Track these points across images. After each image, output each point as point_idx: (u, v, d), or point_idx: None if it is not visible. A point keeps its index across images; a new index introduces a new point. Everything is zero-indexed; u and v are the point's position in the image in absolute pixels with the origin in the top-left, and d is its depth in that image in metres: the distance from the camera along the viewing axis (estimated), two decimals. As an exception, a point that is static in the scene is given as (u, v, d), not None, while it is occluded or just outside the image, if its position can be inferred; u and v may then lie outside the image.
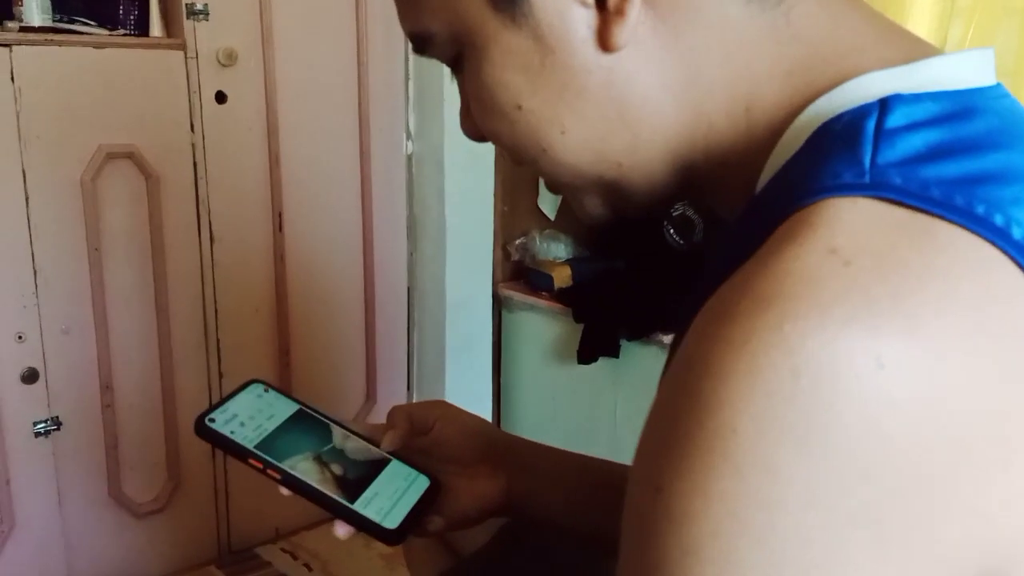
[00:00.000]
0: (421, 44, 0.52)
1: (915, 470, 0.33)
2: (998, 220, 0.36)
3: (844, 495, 0.33)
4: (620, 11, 0.45)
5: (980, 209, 0.36)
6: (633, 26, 0.45)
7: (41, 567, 1.76)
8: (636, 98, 0.48)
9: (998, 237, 0.35)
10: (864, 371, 0.33)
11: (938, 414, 0.33)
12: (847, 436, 0.33)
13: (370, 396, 2.21)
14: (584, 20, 0.46)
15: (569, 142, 0.50)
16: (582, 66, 0.47)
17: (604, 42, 0.46)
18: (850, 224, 0.36)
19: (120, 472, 1.82)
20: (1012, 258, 0.35)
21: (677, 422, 0.36)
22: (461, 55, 0.51)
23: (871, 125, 0.39)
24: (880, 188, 0.37)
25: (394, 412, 0.77)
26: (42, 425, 1.70)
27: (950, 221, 0.36)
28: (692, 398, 0.35)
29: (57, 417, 1.71)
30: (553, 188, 0.55)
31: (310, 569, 1.98)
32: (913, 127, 0.39)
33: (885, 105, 0.40)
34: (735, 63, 0.46)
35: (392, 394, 2.26)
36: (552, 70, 0.48)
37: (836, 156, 0.39)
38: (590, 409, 2.12)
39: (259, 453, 0.68)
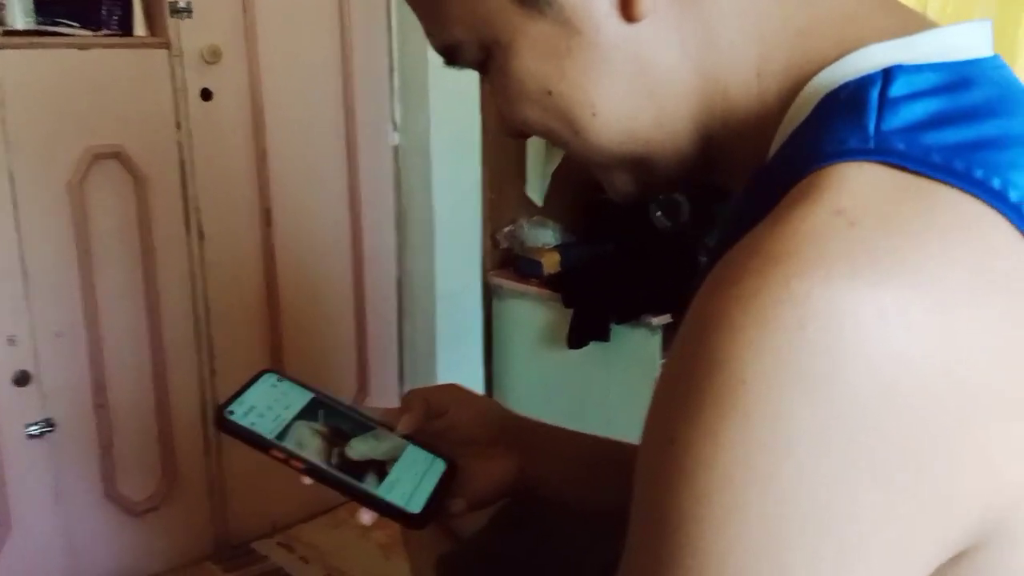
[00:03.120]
0: (451, 54, 0.54)
1: (919, 418, 0.35)
2: (995, 183, 0.38)
3: (850, 442, 0.34)
4: None
5: (978, 173, 0.38)
6: None
7: (39, 569, 1.76)
8: (661, 69, 0.49)
9: (995, 199, 0.37)
10: (867, 322, 0.34)
11: (941, 364, 0.35)
12: (852, 385, 0.34)
13: (362, 388, 2.22)
14: None
15: (600, 123, 0.51)
16: (608, 41, 0.48)
17: (627, 13, 0.47)
18: (856, 187, 0.38)
19: (115, 471, 1.82)
20: (1008, 219, 0.37)
21: (689, 375, 0.37)
22: (489, 57, 0.52)
23: (875, 94, 0.41)
24: (884, 154, 0.39)
25: (410, 396, 0.78)
26: (35, 427, 1.69)
27: (950, 185, 0.37)
28: (703, 351, 0.37)
29: (50, 419, 1.71)
30: (584, 168, 0.56)
31: (307, 562, 1.98)
32: (915, 96, 0.41)
33: (888, 75, 0.42)
34: (747, 27, 0.48)
35: (384, 385, 2.27)
36: (579, 51, 0.49)
37: (842, 123, 0.41)
38: (582, 393, 2.14)
39: (281, 444, 0.68)
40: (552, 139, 0.54)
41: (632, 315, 1.97)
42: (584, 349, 2.05)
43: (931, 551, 0.37)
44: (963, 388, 0.35)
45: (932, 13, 1.85)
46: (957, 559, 0.38)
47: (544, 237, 2.26)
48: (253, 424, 0.69)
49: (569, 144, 0.53)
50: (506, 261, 2.31)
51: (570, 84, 0.50)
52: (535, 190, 2.30)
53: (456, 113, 2.08)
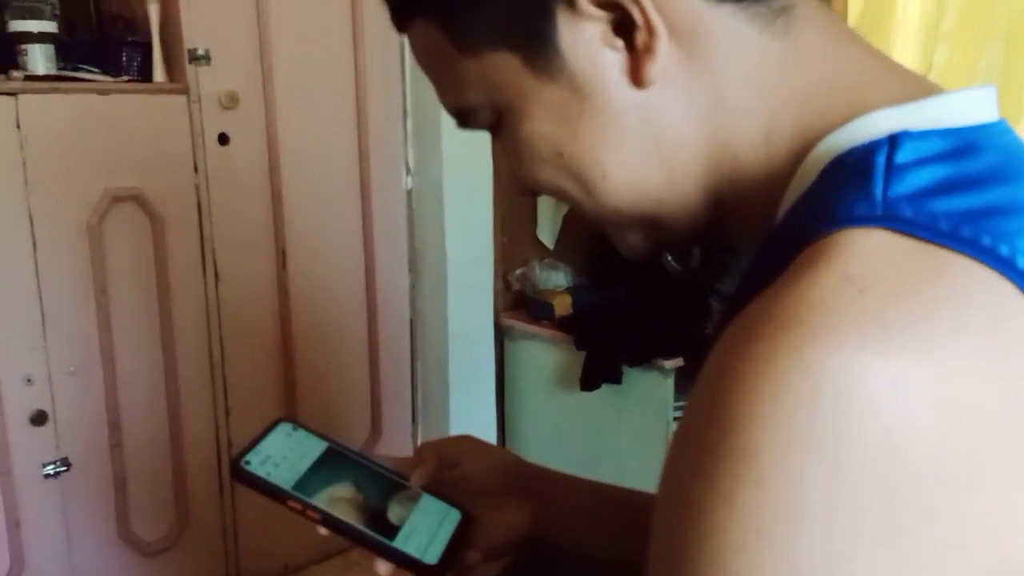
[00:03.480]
0: (464, 117, 0.55)
1: (928, 484, 0.35)
2: (1003, 251, 0.38)
3: (862, 508, 0.35)
4: (649, 48, 0.47)
5: (986, 240, 0.38)
6: (663, 61, 0.47)
7: (52, 609, 1.76)
8: (670, 132, 0.50)
9: (1004, 267, 0.38)
10: (878, 390, 0.34)
11: (950, 431, 0.35)
12: (863, 451, 0.34)
13: (375, 428, 2.22)
14: (615, 63, 0.48)
15: (611, 184, 0.52)
16: (618, 107, 0.49)
17: (637, 79, 0.48)
18: (864, 253, 0.38)
19: (129, 511, 1.82)
20: (1017, 285, 0.38)
21: (703, 439, 0.38)
22: (501, 119, 0.53)
23: (882, 160, 0.42)
24: (892, 220, 0.39)
25: (423, 448, 0.78)
26: (51, 466, 1.70)
27: (958, 252, 0.38)
28: (718, 416, 0.37)
29: (66, 458, 1.72)
30: (597, 227, 0.57)
31: (320, 604, 1.97)
32: (921, 162, 0.42)
33: (895, 141, 0.42)
34: (754, 92, 0.49)
35: (397, 426, 2.27)
36: (590, 115, 0.50)
37: (850, 189, 0.42)
38: (594, 435, 2.13)
39: (298, 495, 0.68)
40: (564, 199, 0.55)
41: (644, 358, 1.96)
42: (596, 391, 2.04)
43: None
44: (969, 456, 0.35)
45: (939, 63, 1.86)
46: None
47: (556, 279, 2.27)
48: (269, 474, 0.69)
49: (581, 204, 0.54)
50: (518, 303, 2.32)
51: (581, 147, 0.51)
52: (547, 233, 2.32)
53: (469, 157, 2.10)
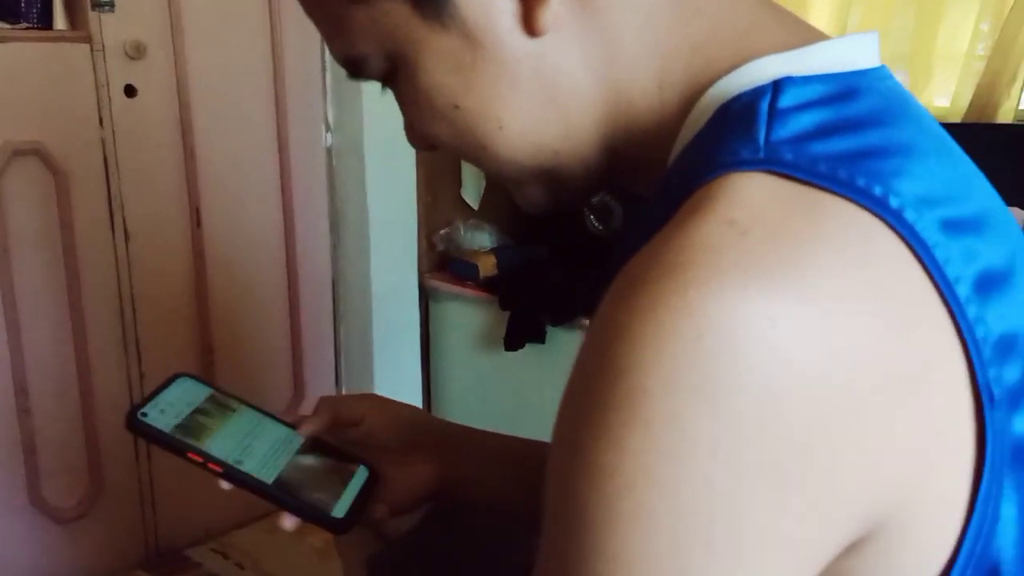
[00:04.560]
0: (355, 67, 0.54)
1: (808, 422, 0.36)
2: (877, 191, 0.39)
3: (745, 447, 0.36)
4: None
5: (861, 182, 0.39)
6: (555, 9, 0.47)
7: (-41, 579, 1.70)
8: (565, 81, 0.50)
9: (878, 206, 0.39)
10: (759, 331, 0.35)
11: (825, 369, 0.36)
12: (746, 392, 0.35)
13: (298, 391, 2.19)
14: (508, 10, 0.48)
15: (507, 136, 0.52)
16: (511, 56, 0.49)
17: (529, 27, 0.48)
18: (746, 197, 0.39)
19: (39, 478, 1.77)
20: (890, 225, 0.39)
21: (593, 385, 0.38)
22: (394, 69, 0.52)
23: (764, 105, 0.43)
24: (773, 163, 0.40)
25: (320, 402, 0.79)
26: (-47, 433, 1.64)
27: (835, 193, 0.39)
28: (606, 362, 0.38)
29: (-30, 424, 1.66)
30: (496, 181, 0.57)
31: (242, 568, 1.96)
32: (803, 107, 0.42)
33: (777, 87, 0.43)
34: (648, 38, 0.49)
35: (320, 388, 2.24)
36: (484, 65, 0.49)
37: (734, 134, 0.42)
38: (519, 394, 2.15)
39: (197, 446, 0.67)
40: (461, 153, 0.55)
41: (567, 317, 1.98)
42: (520, 351, 2.05)
43: (820, 545, 0.39)
44: (843, 388, 0.36)
45: (852, 27, 1.89)
46: (848, 553, 0.40)
47: (480, 240, 2.26)
48: (167, 426, 0.67)
49: (478, 158, 0.54)
50: (442, 263, 2.31)
51: (476, 98, 0.50)
52: (471, 193, 2.30)
53: (390, 114, 2.03)
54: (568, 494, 0.39)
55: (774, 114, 0.42)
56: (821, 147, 0.40)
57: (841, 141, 0.41)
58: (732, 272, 0.36)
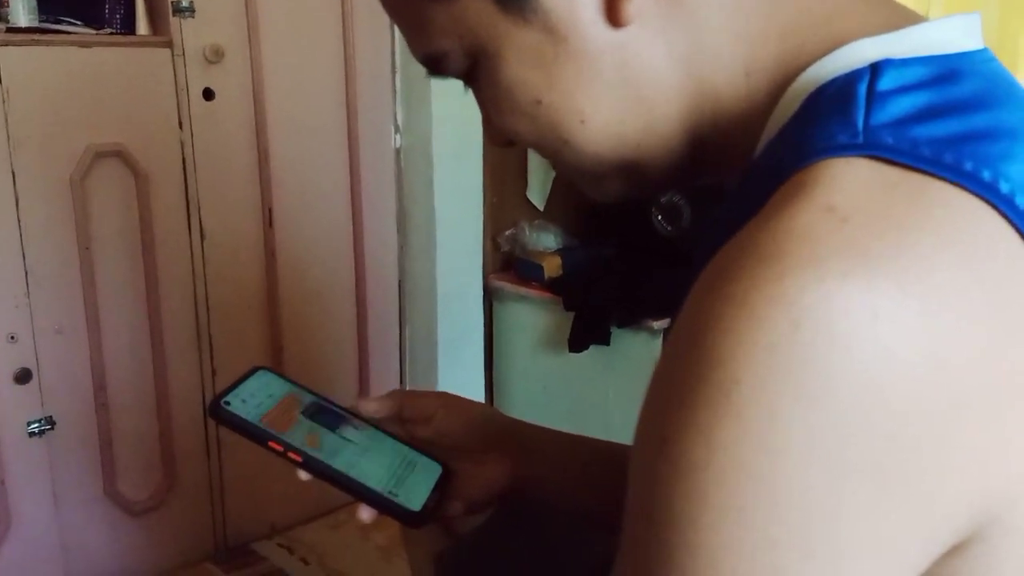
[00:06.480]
0: (436, 64, 0.53)
1: (910, 419, 0.34)
2: (986, 175, 0.37)
3: (843, 442, 0.34)
4: None
5: (968, 166, 0.37)
6: None
7: (37, 567, 1.75)
8: (648, 73, 0.49)
9: (986, 191, 0.37)
10: (860, 323, 0.34)
11: (932, 364, 0.34)
12: (845, 385, 0.34)
13: (363, 389, 2.21)
14: (590, 2, 0.47)
15: (590, 130, 0.51)
16: (595, 48, 0.48)
17: (613, 19, 0.47)
18: (846, 183, 0.38)
19: (115, 470, 1.82)
20: (1000, 211, 0.37)
21: (682, 376, 0.37)
22: (475, 66, 0.52)
23: (863, 88, 0.41)
24: (873, 148, 0.39)
25: (391, 391, 0.79)
26: (36, 425, 1.69)
27: (940, 178, 0.37)
28: (697, 352, 0.36)
29: (51, 417, 1.71)
30: (574, 176, 0.56)
31: (307, 563, 1.98)
32: (903, 90, 0.41)
33: (876, 69, 0.42)
34: (733, 26, 0.48)
35: (385, 387, 2.26)
36: (566, 59, 0.49)
37: (831, 119, 0.41)
38: (582, 397, 2.13)
39: (279, 435, 0.68)
40: (541, 148, 0.54)
41: (633, 319, 1.96)
42: (585, 353, 2.04)
43: (922, 547, 0.37)
44: (950, 385, 0.35)
45: (936, 13, 1.84)
46: (950, 554, 0.38)
47: (545, 241, 2.26)
48: (249, 415, 0.68)
49: (559, 153, 0.53)
50: (507, 264, 2.31)
51: (559, 92, 0.50)
52: (537, 193, 2.30)
53: (458, 115, 2.08)
54: (654, 486, 0.38)
55: (873, 97, 0.41)
56: (924, 131, 0.39)
57: (945, 124, 0.39)
58: (831, 260, 0.35)
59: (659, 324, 1.93)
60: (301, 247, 2.02)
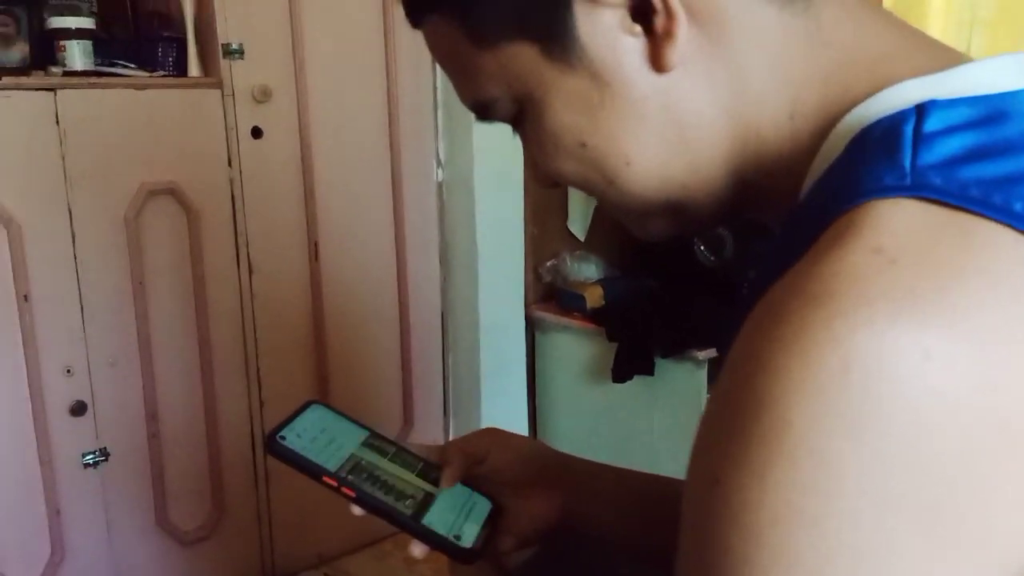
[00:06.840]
0: (484, 110, 0.54)
1: (962, 459, 0.34)
2: None
3: (894, 483, 0.34)
4: (669, 32, 0.47)
5: (1018, 206, 0.37)
6: (683, 45, 0.47)
7: (91, 596, 1.79)
8: (692, 116, 0.50)
9: None
10: (911, 363, 0.34)
11: (984, 404, 0.34)
12: (896, 426, 0.34)
13: (407, 420, 2.23)
14: (635, 49, 0.48)
15: (634, 172, 0.52)
16: (639, 93, 0.49)
17: (657, 65, 0.48)
18: (894, 224, 0.38)
19: (166, 501, 1.85)
20: None
21: (733, 417, 0.37)
22: (522, 111, 0.53)
23: (909, 129, 0.41)
24: (921, 189, 0.39)
25: (449, 448, 0.78)
26: (91, 456, 1.73)
27: (989, 218, 0.37)
28: (748, 394, 0.37)
29: (105, 448, 1.75)
30: (620, 216, 0.57)
31: (353, 594, 1.99)
32: (950, 131, 0.41)
33: (922, 110, 0.42)
34: (777, 71, 0.48)
35: (429, 417, 2.28)
36: (612, 103, 0.50)
37: (877, 160, 0.41)
38: (626, 427, 2.12)
39: (334, 471, 0.68)
40: (587, 189, 0.55)
41: (676, 349, 1.96)
42: (628, 383, 2.04)
43: None
44: (1002, 427, 0.35)
45: (977, 50, 1.82)
46: None
47: (587, 271, 2.26)
48: (304, 449, 0.69)
49: (604, 193, 0.54)
50: (549, 295, 2.32)
51: (604, 136, 0.51)
52: (578, 224, 2.31)
53: (499, 149, 2.10)
54: (707, 525, 0.38)
55: (920, 138, 0.40)
56: (972, 171, 0.38)
57: (993, 165, 0.39)
58: (880, 302, 0.35)
59: (703, 354, 1.92)
60: (346, 280, 2.05)
